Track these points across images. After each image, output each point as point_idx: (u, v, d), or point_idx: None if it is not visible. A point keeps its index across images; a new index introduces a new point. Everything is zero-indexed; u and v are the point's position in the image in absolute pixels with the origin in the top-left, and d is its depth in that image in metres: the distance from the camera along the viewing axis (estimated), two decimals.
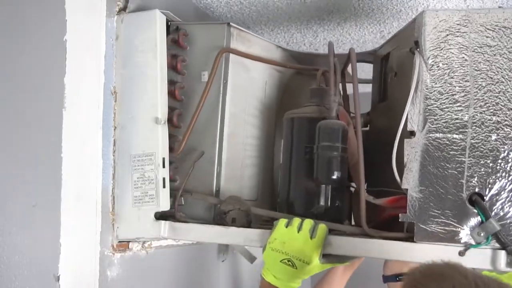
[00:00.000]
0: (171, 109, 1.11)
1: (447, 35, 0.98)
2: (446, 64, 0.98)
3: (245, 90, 1.17)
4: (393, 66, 1.13)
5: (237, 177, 1.16)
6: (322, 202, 1.05)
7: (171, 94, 1.12)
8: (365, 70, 1.33)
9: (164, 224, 1.06)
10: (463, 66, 0.97)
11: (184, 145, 1.09)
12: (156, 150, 1.05)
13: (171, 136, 1.11)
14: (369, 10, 1.48)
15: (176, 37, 1.12)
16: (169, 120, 1.11)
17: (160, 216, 1.07)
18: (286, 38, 1.71)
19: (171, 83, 1.12)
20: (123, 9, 1.11)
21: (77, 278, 0.98)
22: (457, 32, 0.98)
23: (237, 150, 1.15)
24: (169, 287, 1.25)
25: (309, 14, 1.51)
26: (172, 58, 1.12)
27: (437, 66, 0.98)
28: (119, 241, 1.07)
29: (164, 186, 1.06)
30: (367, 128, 1.24)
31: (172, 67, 1.12)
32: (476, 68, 0.97)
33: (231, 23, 1.12)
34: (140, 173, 1.06)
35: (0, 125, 1.00)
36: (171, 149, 1.10)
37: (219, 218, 1.07)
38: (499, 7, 0.99)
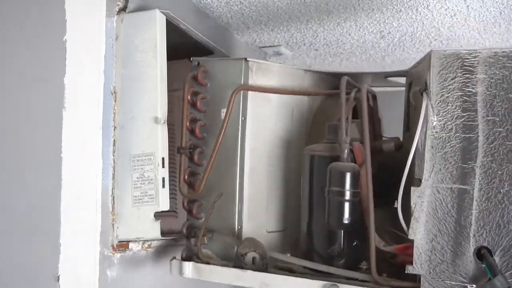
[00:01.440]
0: (193, 147, 1.12)
1: (455, 77, 0.95)
2: (453, 109, 0.94)
3: (268, 122, 1.16)
4: (411, 100, 1.10)
5: (262, 210, 1.15)
6: (336, 245, 1.04)
7: (192, 131, 1.12)
8: None
9: (188, 265, 1.07)
10: (471, 112, 0.94)
11: (205, 184, 1.09)
12: (155, 150, 1.06)
13: (194, 174, 1.12)
14: (369, 10, 1.48)
15: (196, 73, 1.13)
16: (191, 158, 1.12)
17: (186, 256, 1.09)
18: (286, 38, 1.71)
19: (192, 120, 1.12)
20: (123, 9, 1.11)
21: (77, 278, 0.98)
22: (465, 74, 0.95)
23: (260, 185, 1.15)
24: (169, 287, 1.25)
25: (309, 14, 1.51)
26: (192, 95, 1.13)
27: (445, 111, 0.95)
28: (119, 241, 1.07)
29: (163, 186, 1.06)
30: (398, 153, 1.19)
31: (193, 104, 1.13)
32: (485, 114, 0.93)
33: (248, 58, 1.12)
34: (140, 173, 1.06)
35: (0, 125, 1.00)
36: (193, 187, 1.11)
37: (237, 260, 1.07)
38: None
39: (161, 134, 1.06)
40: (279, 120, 1.18)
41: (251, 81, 1.12)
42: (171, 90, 1.12)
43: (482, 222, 0.92)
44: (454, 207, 0.93)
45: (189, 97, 1.11)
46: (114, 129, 1.08)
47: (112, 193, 1.07)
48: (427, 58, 0.97)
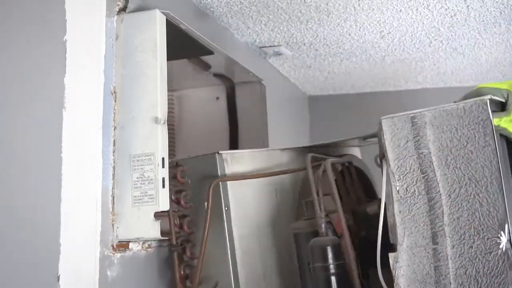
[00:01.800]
0: (186, 241, 1.15)
1: (407, 142, 0.96)
2: (412, 173, 0.95)
3: (252, 206, 1.19)
4: (376, 163, 1.10)
5: None
6: None
7: (181, 227, 1.15)
8: None
9: None
10: (429, 173, 0.95)
11: (199, 276, 1.12)
12: (155, 150, 1.06)
13: (191, 267, 1.14)
14: (369, 10, 1.48)
15: (175, 173, 1.16)
16: (184, 251, 1.15)
17: None
18: (286, 38, 1.72)
19: (179, 217, 1.15)
20: (123, 9, 1.11)
21: (77, 278, 0.98)
22: (416, 137, 0.96)
23: (255, 266, 1.17)
24: (169, 287, 1.25)
25: (309, 14, 1.51)
26: (176, 194, 1.16)
27: (404, 176, 0.96)
28: (119, 241, 1.07)
29: (163, 186, 1.06)
30: None
31: (177, 202, 1.16)
32: (442, 173, 0.94)
33: (220, 151, 1.16)
34: (140, 173, 1.06)
35: None
36: (190, 279, 1.14)
37: None
38: (454, 102, 0.97)
39: (161, 134, 1.06)
40: (263, 201, 1.21)
41: (228, 171, 1.15)
42: (171, 90, 1.12)
43: (461, 280, 0.91)
44: (431, 268, 0.93)
45: (173, 197, 1.14)
46: (114, 129, 1.08)
47: (112, 193, 1.07)
48: (379, 126, 0.99)
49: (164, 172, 1.06)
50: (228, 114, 1.69)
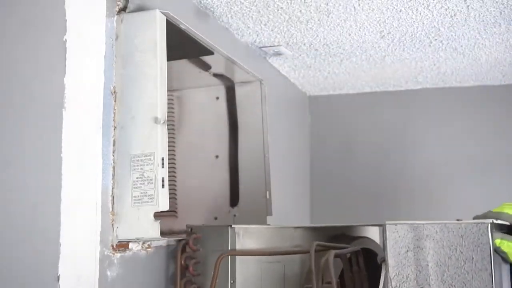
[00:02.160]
0: None
1: (407, 251, 0.97)
2: (409, 282, 0.96)
3: (258, 282, 1.20)
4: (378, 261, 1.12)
5: None
6: None
7: None
8: None
9: None
10: (425, 286, 0.95)
11: None
12: (155, 150, 1.06)
13: None
14: (369, 10, 1.48)
15: (188, 240, 1.17)
16: None
17: None
18: (286, 38, 1.72)
19: (186, 283, 1.17)
20: (123, 9, 1.11)
21: (77, 278, 0.98)
22: (416, 248, 0.97)
23: None
24: (169, 287, 1.25)
25: (309, 14, 1.51)
26: (186, 260, 1.17)
27: (400, 284, 0.96)
28: (119, 241, 1.07)
29: (163, 186, 1.06)
30: None
31: (186, 267, 1.17)
32: None
33: (233, 225, 1.17)
34: (139, 173, 1.06)
35: None
36: None
37: None
38: (457, 219, 0.99)
39: (161, 134, 1.06)
40: (270, 278, 1.22)
41: (238, 245, 1.17)
42: (171, 90, 1.12)
43: None
44: None
45: (182, 262, 1.16)
46: (114, 129, 1.08)
47: (112, 193, 1.07)
48: (383, 229, 1.00)
49: (164, 172, 1.06)
50: (228, 114, 1.69)
